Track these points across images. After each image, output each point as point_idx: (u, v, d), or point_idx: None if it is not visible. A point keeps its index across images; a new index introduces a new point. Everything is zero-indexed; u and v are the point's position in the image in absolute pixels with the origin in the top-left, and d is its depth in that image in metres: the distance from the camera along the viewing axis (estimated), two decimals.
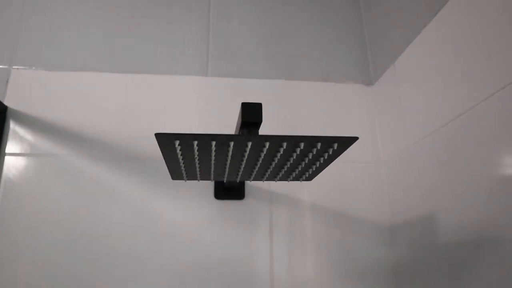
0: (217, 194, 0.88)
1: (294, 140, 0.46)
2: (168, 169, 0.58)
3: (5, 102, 0.88)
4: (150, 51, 0.98)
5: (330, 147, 0.49)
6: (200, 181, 0.69)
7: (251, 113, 0.50)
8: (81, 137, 0.88)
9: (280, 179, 0.66)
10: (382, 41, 1.00)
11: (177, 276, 0.82)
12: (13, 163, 0.85)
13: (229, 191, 0.88)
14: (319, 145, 0.47)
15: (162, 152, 0.48)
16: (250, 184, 0.90)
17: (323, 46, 1.06)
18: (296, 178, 0.65)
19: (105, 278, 0.80)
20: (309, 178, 0.65)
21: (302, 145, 0.47)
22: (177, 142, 0.43)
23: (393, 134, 0.92)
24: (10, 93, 0.90)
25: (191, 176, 0.64)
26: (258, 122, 0.50)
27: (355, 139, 0.50)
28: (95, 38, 0.98)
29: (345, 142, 0.49)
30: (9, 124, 0.87)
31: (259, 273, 0.84)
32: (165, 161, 0.53)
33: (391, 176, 0.92)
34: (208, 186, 0.88)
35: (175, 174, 0.62)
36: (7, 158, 0.85)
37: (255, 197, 0.89)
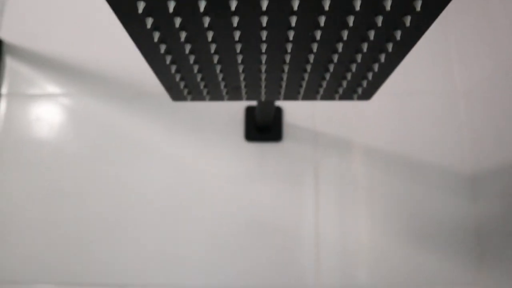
0: (248, 135, 0.70)
1: None
2: (157, 77, 0.40)
3: (0, 35, 0.76)
4: None
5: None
6: (213, 103, 0.50)
7: None
8: (86, 73, 0.74)
9: (341, 96, 0.44)
10: None
11: (208, 229, 0.67)
12: (12, 105, 0.73)
13: (263, 130, 0.70)
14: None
15: (131, 36, 0.30)
16: (288, 122, 0.72)
17: None
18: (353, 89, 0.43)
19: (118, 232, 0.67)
20: (372, 90, 0.43)
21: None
22: (141, 6, 0.25)
23: (476, 59, 0.68)
24: (5, 25, 0.77)
25: (196, 92, 0.43)
26: None
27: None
28: None
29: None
30: (5, 60, 0.75)
31: (302, 233, 0.67)
32: (147, 61, 0.35)
33: (473, 111, 0.70)
34: (238, 125, 0.71)
35: (173, 89, 0.43)
36: (4, 99, 0.73)
37: (296, 139, 0.71)
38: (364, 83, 0.41)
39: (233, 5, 0.26)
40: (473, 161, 0.70)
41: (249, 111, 0.71)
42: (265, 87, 0.42)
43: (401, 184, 0.70)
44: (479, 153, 0.69)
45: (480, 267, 0.67)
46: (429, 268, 0.67)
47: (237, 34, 0.31)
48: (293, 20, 0.28)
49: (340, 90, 0.43)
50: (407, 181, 0.70)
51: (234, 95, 0.45)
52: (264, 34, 0.30)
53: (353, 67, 0.37)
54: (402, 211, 0.69)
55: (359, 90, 0.43)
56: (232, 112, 0.72)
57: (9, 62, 0.75)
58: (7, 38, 0.76)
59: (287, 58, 0.35)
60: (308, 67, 0.37)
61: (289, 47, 0.33)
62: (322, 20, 0.28)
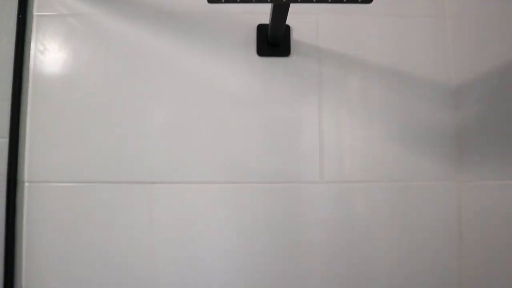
0: (260, 50, 0.79)
1: None
2: None
3: None
4: None
5: None
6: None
7: None
8: None
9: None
10: None
11: (221, 137, 0.78)
12: (44, 26, 0.80)
13: (273, 46, 0.79)
14: None
15: None
16: (295, 39, 0.80)
17: None
18: None
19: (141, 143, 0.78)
20: None
21: None
22: None
23: None
24: None
25: None
26: None
27: None
28: None
29: None
30: None
31: (307, 138, 0.78)
32: None
33: (459, 31, 0.79)
34: (250, 42, 0.80)
35: None
36: (37, 19, 0.81)
37: (302, 54, 0.80)
38: None
39: None
40: (458, 76, 0.80)
41: (260, 29, 0.80)
42: None
43: (393, 96, 0.81)
44: (463, 68, 0.79)
45: (459, 165, 0.79)
46: (414, 166, 0.79)
47: None
48: None
49: None
50: (399, 93, 0.81)
51: None
52: None
53: None
54: (394, 119, 0.80)
55: None
56: (246, 30, 0.80)
57: None
58: None
59: None
60: None
61: None
62: None
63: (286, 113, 0.79)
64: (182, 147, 0.77)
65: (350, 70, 0.80)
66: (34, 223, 0.76)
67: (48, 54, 0.79)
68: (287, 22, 0.71)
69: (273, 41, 0.78)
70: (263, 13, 0.74)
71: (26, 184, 0.76)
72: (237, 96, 0.79)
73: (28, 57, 0.79)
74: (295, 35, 0.80)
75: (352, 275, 0.77)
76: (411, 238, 0.78)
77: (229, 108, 0.78)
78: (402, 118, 0.80)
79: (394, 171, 0.79)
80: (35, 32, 0.80)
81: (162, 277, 0.75)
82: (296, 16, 0.78)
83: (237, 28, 0.80)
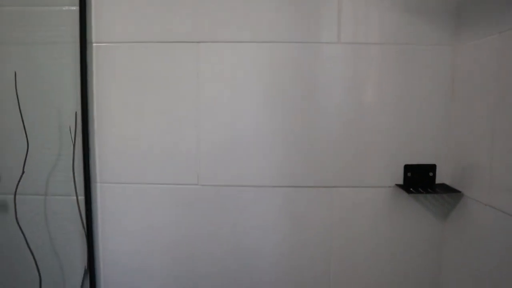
0: None
1: None
2: None
3: None
4: None
5: None
6: None
7: None
8: None
9: None
10: None
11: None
12: None
13: None
14: None
15: None
16: None
17: None
18: None
19: None
20: None
21: None
22: None
23: None
24: None
25: None
26: None
27: None
28: None
29: None
30: None
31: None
32: None
33: None
34: None
35: None
36: None
37: None
38: None
39: None
40: None
41: None
42: None
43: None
44: None
45: (457, 30, 0.90)
46: (412, 30, 0.91)
47: None
48: None
49: None
50: None
51: None
52: None
53: None
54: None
55: None
56: None
57: None
58: None
59: None
60: None
61: None
62: None
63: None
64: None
65: None
66: (102, 80, 0.94)
67: None
68: None
69: None
70: None
71: (94, 45, 0.94)
72: None
73: None
74: None
75: (359, 118, 0.92)
76: (411, 94, 0.92)
77: None
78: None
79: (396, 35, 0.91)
80: None
81: (204, 112, 0.93)
82: None
83: None
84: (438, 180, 0.93)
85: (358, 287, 0.97)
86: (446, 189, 0.91)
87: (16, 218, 0.96)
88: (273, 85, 0.92)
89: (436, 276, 0.96)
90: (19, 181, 0.95)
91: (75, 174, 0.97)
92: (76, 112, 0.95)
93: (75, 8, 0.93)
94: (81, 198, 0.98)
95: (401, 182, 0.94)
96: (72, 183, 0.97)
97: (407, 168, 0.93)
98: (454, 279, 0.91)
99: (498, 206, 0.74)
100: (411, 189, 0.91)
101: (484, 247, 0.78)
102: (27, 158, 0.95)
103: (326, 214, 0.95)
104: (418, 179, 0.93)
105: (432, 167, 0.93)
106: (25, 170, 0.95)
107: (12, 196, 0.96)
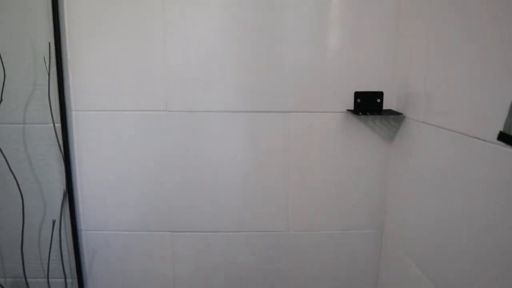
0: None
1: None
2: None
3: None
4: None
5: None
6: None
7: None
8: None
9: None
10: None
11: None
12: None
13: None
14: None
15: None
16: None
17: None
18: None
19: None
20: None
21: None
22: None
23: None
24: None
25: None
26: None
27: None
28: None
29: None
30: None
31: None
32: None
33: None
34: None
35: None
36: None
37: None
38: None
39: None
40: None
41: None
42: None
43: None
44: None
45: None
46: None
47: None
48: None
49: None
50: None
51: None
52: None
53: None
54: None
55: None
56: None
57: None
58: None
59: None
60: None
61: None
62: None
63: None
64: None
65: None
66: (73, 9, 0.99)
67: None
68: None
69: None
70: None
71: None
72: None
73: None
74: None
75: (314, 47, 1.01)
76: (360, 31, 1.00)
77: None
78: None
79: None
80: None
81: (170, 37, 1.00)
82: None
83: None
84: (385, 106, 1.03)
85: (312, 197, 1.08)
86: (391, 113, 1.01)
87: None
88: (232, 12, 0.99)
89: (383, 192, 1.08)
90: None
91: (51, 103, 1.04)
92: (49, 43, 1.01)
93: None
94: (58, 125, 1.05)
95: (351, 107, 1.04)
96: (49, 111, 1.04)
97: (357, 94, 1.03)
98: (399, 192, 1.03)
99: (430, 122, 0.85)
100: (360, 113, 1.01)
101: (421, 158, 0.89)
102: (4, 87, 1.01)
103: (284, 137, 1.05)
104: (367, 105, 1.03)
105: (380, 94, 1.03)
106: (3, 99, 1.01)
107: None
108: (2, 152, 1.04)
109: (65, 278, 1.13)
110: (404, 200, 0.99)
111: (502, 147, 0.60)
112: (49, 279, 1.13)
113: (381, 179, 1.08)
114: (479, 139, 0.66)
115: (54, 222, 1.09)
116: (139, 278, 1.13)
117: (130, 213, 1.09)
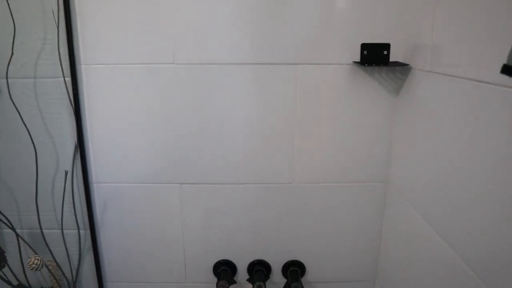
0: None
1: None
2: None
3: None
4: None
5: None
6: None
7: None
8: None
9: None
10: None
11: None
12: None
13: None
14: None
15: None
16: None
17: None
18: None
19: None
20: None
21: None
22: None
23: None
24: None
25: None
26: None
27: None
28: None
29: None
30: None
31: None
32: None
33: None
34: None
35: None
36: None
37: None
38: None
39: None
40: None
41: None
42: None
43: None
44: None
45: None
46: None
47: None
48: None
49: None
50: None
51: None
52: None
53: None
54: None
55: None
56: None
57: None
58: None
59: None
60: None
61: None
62: None
63: None
64: None
65: None
66: None
67: None
68: None
69: None
70: None
71: None
72: None
73: None
74: None
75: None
76: None
77: None
78: None
79: None
80: None
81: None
82: None
83: None
84: (392, 59, 1.03)
85: (318, 149, 1.10)
86: (398, 64, 1.01)
87: (10, 96, 1.06)
88: None
89: (389, 145, 1.09)
90: (9, 62, 1.04)
91: (61, 57, 1.06)
92: None
93: None
94: (68, 79, 1.07)
95: (358, 60, 1.04)
96: (59, 65, 1.06)
97: (364, 46, 1.02)
98: (404, 144, 1.04)
99: (436, 70, 0.85)
100: (366, 64, 1.01)
101: (428, 109, 0.90)
102: (14, 41, 1.03)
103: (290, 89, 1.06)
104: (374, 57, 1.03)
105: (387, 46, 1.02)
106: (13, 53, 1.03)
107: (5, 80, 1.05)
108: (15, 106, 1.07)
109: (78, 229, 1.17)
110: (409, 152, 1.00)
111: (510, 88, 0.60)
112: (63, 230, 1.17)
113: (387, 131, 1.09)
114: (486, 82, 0.66)
115: (66, 172, 1.12)
116: (149, 228, 1.17)
117: (139, 166, 1.12)
